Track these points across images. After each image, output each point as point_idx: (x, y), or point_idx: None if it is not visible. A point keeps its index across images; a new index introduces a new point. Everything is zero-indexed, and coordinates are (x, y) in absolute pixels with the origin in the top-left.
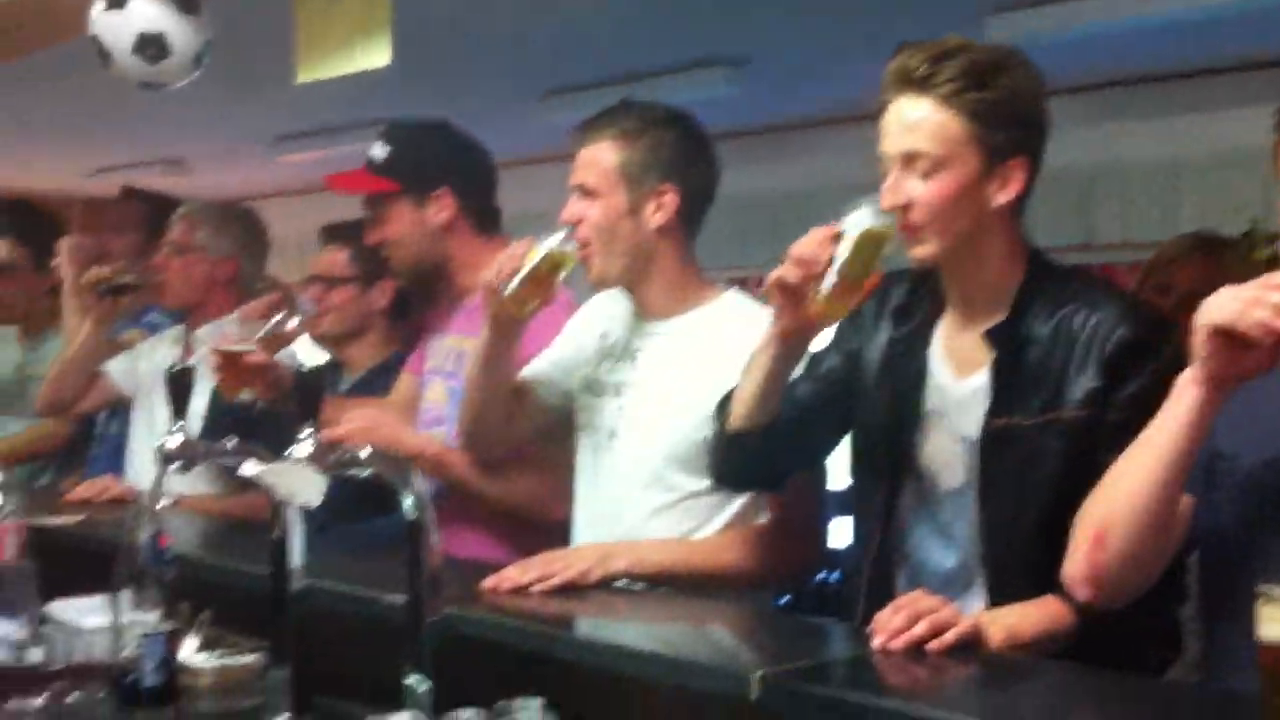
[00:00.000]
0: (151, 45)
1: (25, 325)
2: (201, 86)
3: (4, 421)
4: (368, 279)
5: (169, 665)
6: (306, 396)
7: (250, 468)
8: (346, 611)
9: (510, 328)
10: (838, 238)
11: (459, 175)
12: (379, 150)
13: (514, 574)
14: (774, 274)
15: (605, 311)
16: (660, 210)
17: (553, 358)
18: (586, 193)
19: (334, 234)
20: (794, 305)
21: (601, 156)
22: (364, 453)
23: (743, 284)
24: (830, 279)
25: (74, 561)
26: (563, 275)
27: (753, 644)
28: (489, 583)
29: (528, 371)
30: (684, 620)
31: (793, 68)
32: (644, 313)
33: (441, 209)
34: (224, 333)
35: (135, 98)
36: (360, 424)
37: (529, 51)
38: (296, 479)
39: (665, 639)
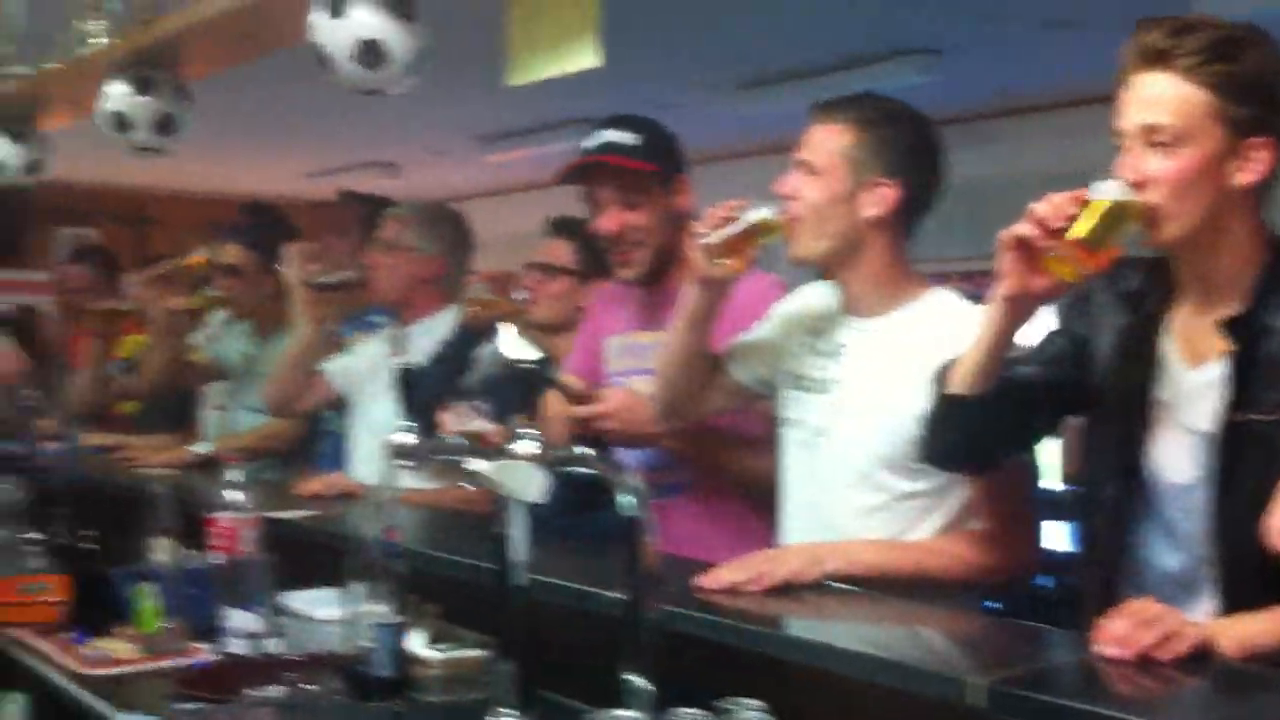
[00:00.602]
0: (370, 52)
1: (257, 323)
2: (411, 89)
3: (235, 414)
4: (586, 274)
5: (400, 656)
6: (525, 391)
7: (475, 464)
8: (569, 607)
9: (715, 287)
10: (1083, 204)
11: (685, 161)
12: (626, 136)
13: (726, 573)
14: (1009, 230)
15: (814, 304)
16: (877, 203)
17: (755, 339)
18: (809, 170)
19: (560, 226)
20: (1025, 265)
21: (831, 138)
22: (582, 450)
23: (938, 279)
24: (1067, 242)
25: (305, 554)
26: (763, 242)
27: (971, 648)
28: (701, 581)
29: (728, 346)
30: (899, 623)
31: (986, 56)
32: (851, 307)
33: (683, 194)
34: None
35: (350, 103)
36: (609, 406)
37: (723, 44)
38: (520, 475)
39: (883, 641)
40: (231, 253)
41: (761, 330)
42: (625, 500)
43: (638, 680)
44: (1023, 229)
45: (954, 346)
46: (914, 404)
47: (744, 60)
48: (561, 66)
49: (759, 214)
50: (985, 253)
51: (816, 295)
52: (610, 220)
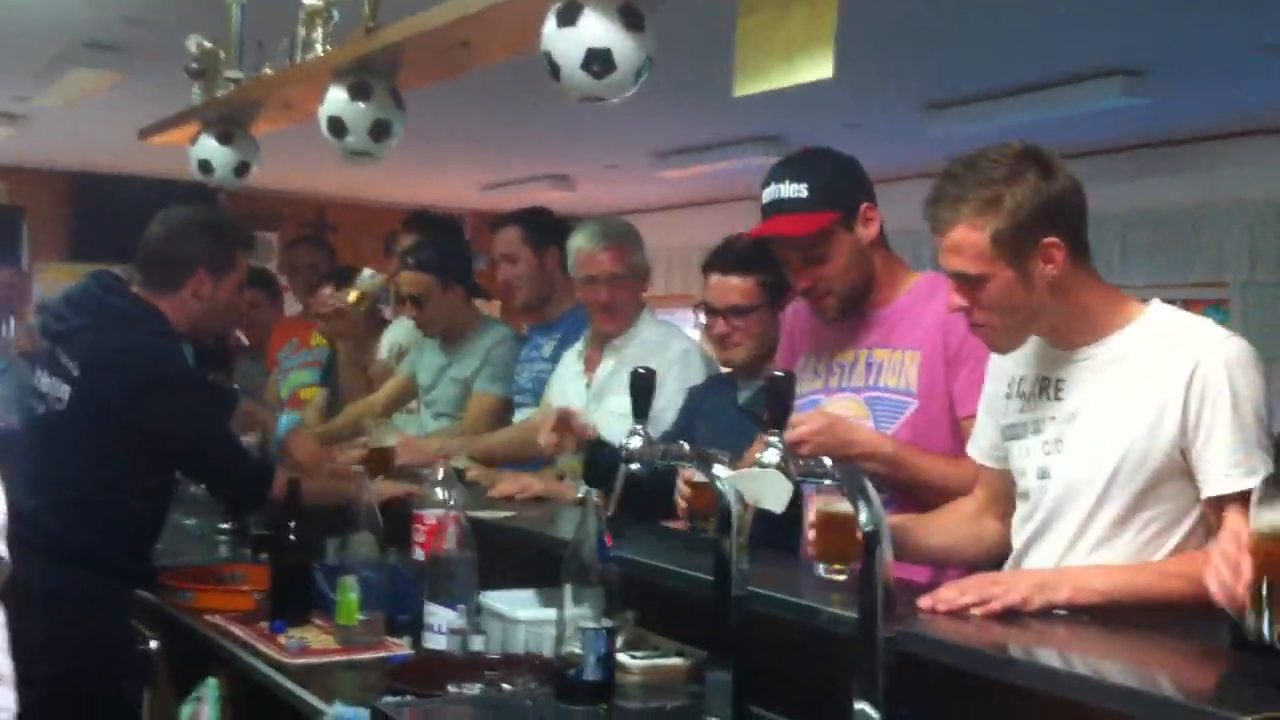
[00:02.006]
0: (598, 60)
1: (445, 335)
2: (587, 105)
3: (423, 419)
4: (776, 300)
5: (609, 661)
6: (776, 403)
7: (720, 470)
8: (786, 619)
9: None
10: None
11: (867, 186)
12: (796, 189)
13: (951, 595)
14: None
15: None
16: (1050, 263)
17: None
18: (967, 279)
19: (732, 261)
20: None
21: (967, 238)
22: (828, 462)
23: None
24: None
25: (504, 555)
26: None
27: (1222, 682)
28: (924, 602)
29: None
30: (1141, 653)
31: (1194, 78)
32: (1061, 343)
33: (870, 223)
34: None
35: (527, 117)
36: (814, 424)
37: (912, 64)
38: (764, 484)
39: (1132, 672)
40: (410, 281)
41: (980, 413)
42: (863, 515)
43: (869, 708)
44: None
45: (1181, 361)
46: (1144, 425)
47: (933, 80)
48: (793, 77)
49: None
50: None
51: None
52: (800, 280)
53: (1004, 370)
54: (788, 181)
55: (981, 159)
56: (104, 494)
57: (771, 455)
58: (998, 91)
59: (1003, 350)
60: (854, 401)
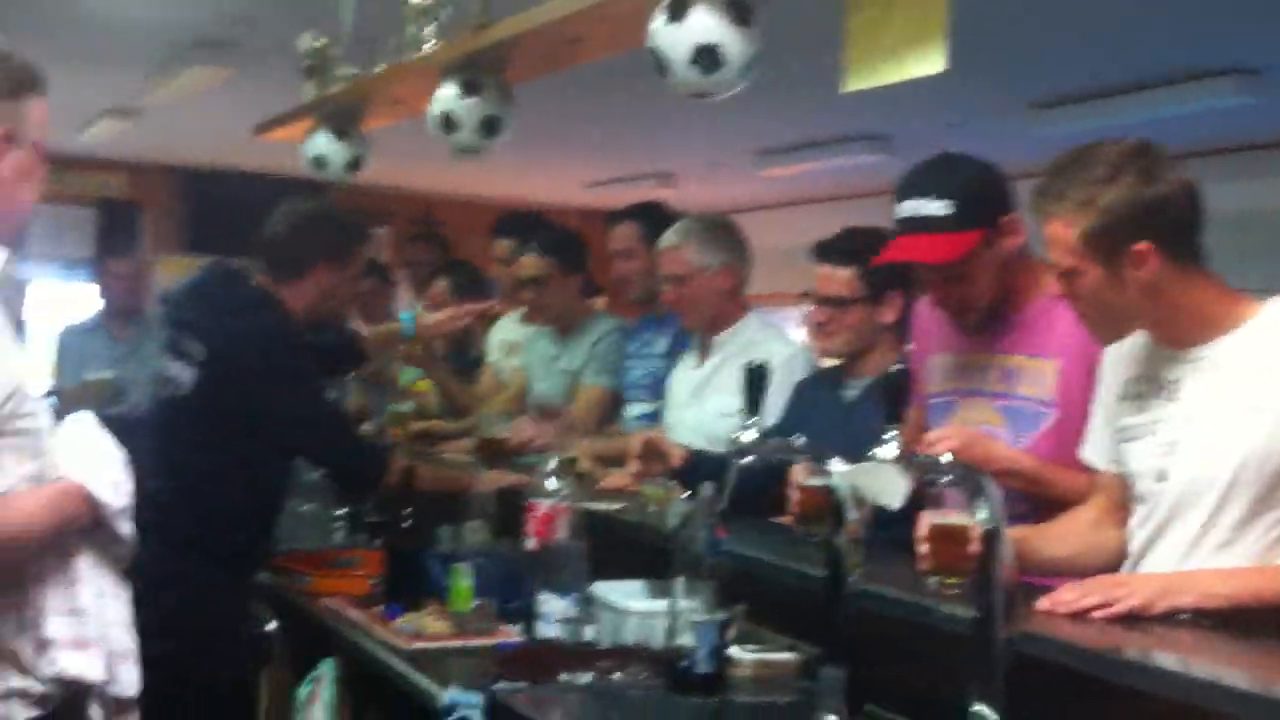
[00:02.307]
0: (707, 56)
1: (559, 326)
2: (690, 101)
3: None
4: (875, 295)
5: (720, 654)
6: (892, 398)
7: (836, 466)
8: (900, 618)
9: None
10: None
11: (1010, 195)
12: (935, 205)
13: (1071, 597)
14: None
15: (1119, 356)
16: (1141, 268)
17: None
18: (1061, 271)
19: (833, 252)
20: None
21: (1060, 234)
22: (945, 458)
23: None
24: None
25: (614, 546)
26: None
27: None
28: (1043, 604)
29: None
30: (1262, 656)
31: None
32: (1173, 344)
33: (1013, 234)
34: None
35: (631, 114)
36: (954, 440)
37: (1017, 61)
38: (881, 480)
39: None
40: (531, 264)
41: (1095, 417)
42: (982, 513)
43: (987, 710)
44: None
45: None
46: (1266, 423)
47: (1039, 78)
48: (904, 72)
49: None
50: None
51: (1117, 346)
52: (938, 296)
53: (1117, 371)
54: (928, 197)
55: (1089, 155)
56: (224, 478)
57: (889, 450)
58: (1106, 90)
59: (1104, 342)
60: (988, 409)
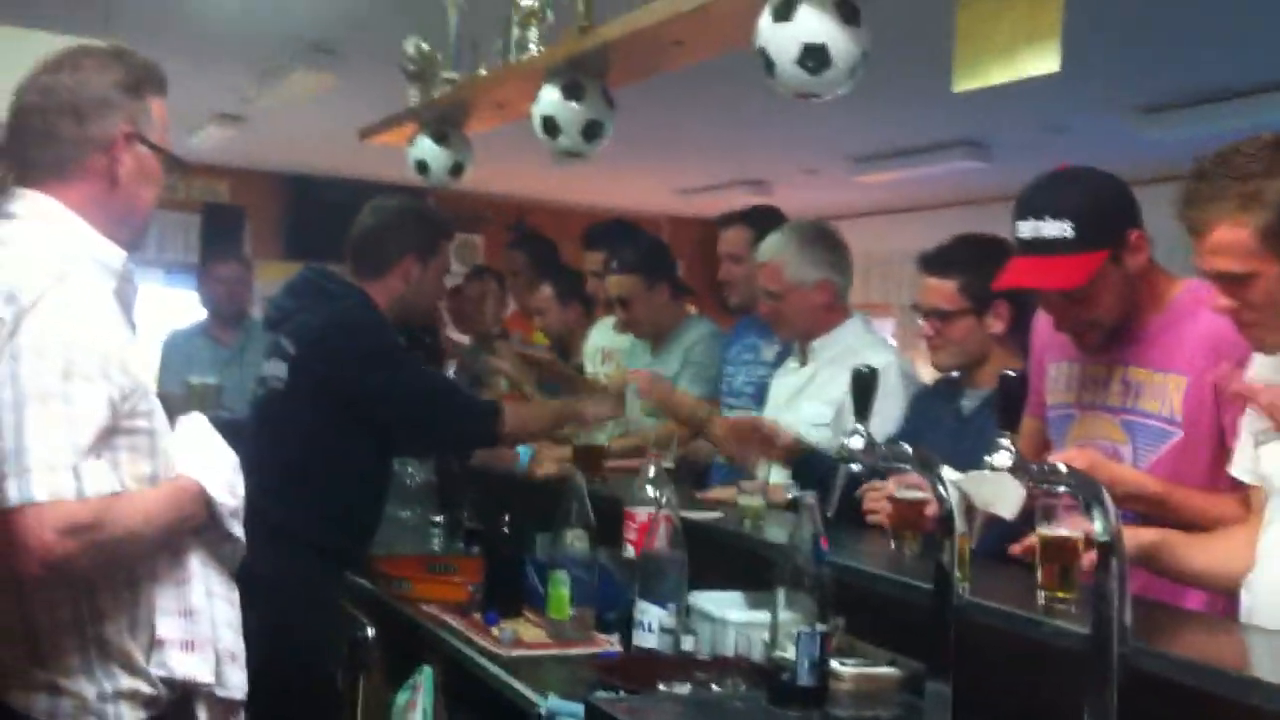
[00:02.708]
0: (814, 56)
1: (653, 336)
2: (784, 107)
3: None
4: (980, 306)
5: (823, 667)
6: (1007, 406)
7: (947, 473)
8: (1009, 632)
9: None
10: None
11: (1134, 209)
12: (1057, 226)
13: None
14: None
15: (1265, 363)
16: None
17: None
18: (1234, 279)
19: (936, 263)
20: None
21: (1231, 235)
22: (1062, 468)
23: None
24: None
25: (713, 556)
26: None
27: None
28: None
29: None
30: None
31: None
32: None
33: (1139, 251)
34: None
35: (724, 120)
36: (1079, 460)
37: (1125, 63)
38: (996, 488)
39: None
40: (616, 284)
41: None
42: (1098, 524)
43: None
44: None
45: None
46: None
47: (1149, 81)
48: (1017, 72)
49: None
50: None
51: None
52: (1060, 318)
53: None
54: (1049, 217)
55: (1233, 154)
56: (322, 474)
57: (1003, 458)
58: (1220, 93)
59: (1272, 351)
60: (1110, 423)
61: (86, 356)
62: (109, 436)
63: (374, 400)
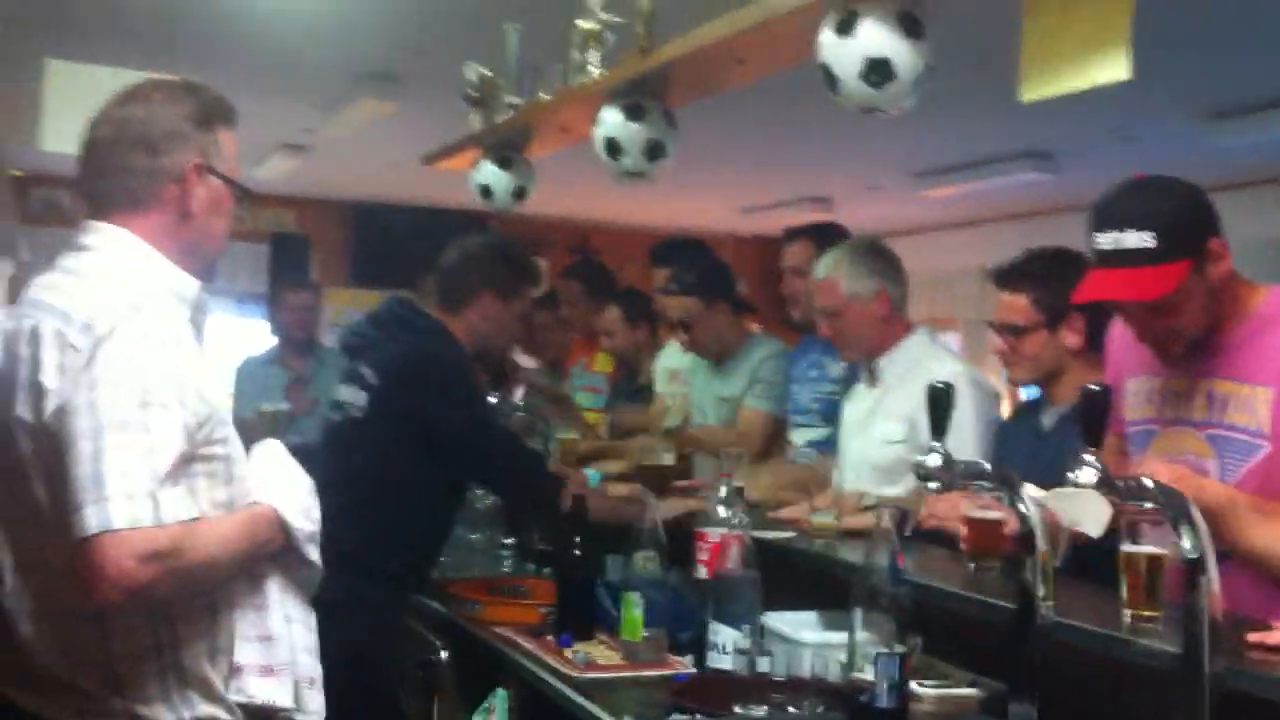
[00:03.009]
0: (877, 70)
1: (716, 356)
2: (846, 123)
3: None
4: (1053, 320)
5: (903, 689)
6: (1090, 420)
7: (1031, 491)
8: (1095, 653)
9: None
10: None
11: (1213, 218)
12: (1138, 237)
13: None
14: None
15: None
16: None
17: None
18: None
19: (1007, 278)
20: None
21: None
22: (1148, 483)
23: None
24: None
25: (778, 575)
26: None
27: None
28: (1254, 637)
29: None
30: None
31: None
32: None
33: (1221, 259)
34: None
35: (785, 137)
36: (1165, 474)
37: (1194, 67)
38: (1083, 505)
39: None
40: (675, 306)
41: None
42: (1186, 542)
43: None
44: None
45: None
46: None
47: (1218, 85)
48: (1086, 80)
49: None
50: None
51: None
52: (1144, 333)
53: None
54: (1130, 228)
55: None
56: (392, 499)
57: (1088, 475)
58: None
59: None
60: (1193, 438)
61: (163, 384)
62: (186, 464)
63: (447, 438)
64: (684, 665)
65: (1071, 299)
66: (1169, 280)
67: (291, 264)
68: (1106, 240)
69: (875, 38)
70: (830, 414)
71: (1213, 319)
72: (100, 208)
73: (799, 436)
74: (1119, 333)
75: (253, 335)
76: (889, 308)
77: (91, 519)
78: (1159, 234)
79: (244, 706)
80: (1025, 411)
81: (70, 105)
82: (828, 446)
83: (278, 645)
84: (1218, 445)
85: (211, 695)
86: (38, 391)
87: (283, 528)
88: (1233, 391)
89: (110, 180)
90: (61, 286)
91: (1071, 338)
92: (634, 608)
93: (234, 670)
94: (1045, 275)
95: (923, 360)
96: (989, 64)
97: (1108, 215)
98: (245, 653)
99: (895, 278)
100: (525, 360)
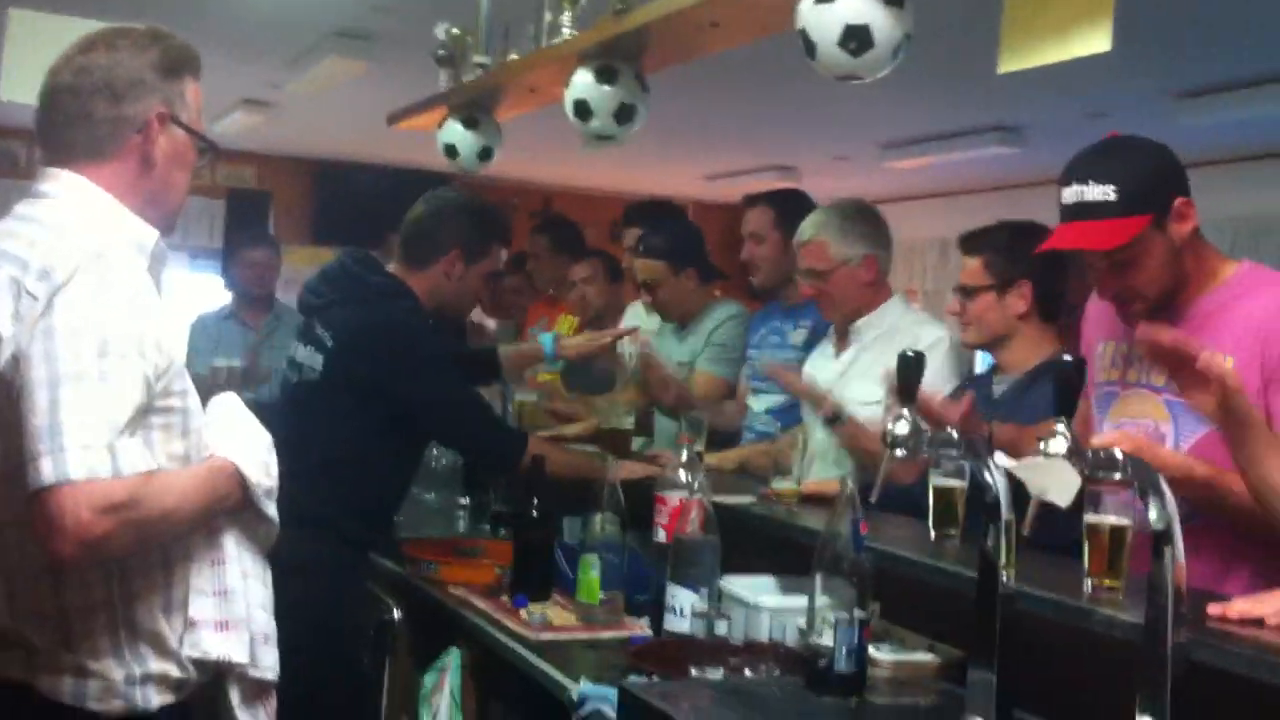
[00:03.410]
0: (855, 37)
1: (679, 320)
2: (814, 93)
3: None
4: (1003, 285)
5: (861, 654)
6: (1063, 390)
7: (1001, 459)
8: (1055, 622)
9: None
10: None
11: (1180, 178)
12: (1100, 190)
13: (1245, 606)
14: None
15: None
16: None
17: None
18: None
19: (968, 241)
20: None
21: None
22: (1118, 454)
23: None
24: None
25: (736, 539)
26: None
27: None
28: (1214, 610)
29: None
30: None
31: None
32: None
33: (1185, 219)
34: None
35: (753, 107)
36: (1123, 444)
37: (1161, 48)
38: (1050, 475)
39: None
40: (643, 268)
41: None
42: (1153, 512)
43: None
44: None
45: None
46: None
47: (1184, 65)
48: (1067, 51)
49: None
50: None
51: None
52: (1105, 289)
53: None
54: (1091, 182)
55: None
56: (350, 461)
57: (1058, 444)
58: (1257, 78)
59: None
60: (1153, 402)
61: (122, 334)
62: (143, 415)
63: (409, 405)
64: (641, 628)
65: (1035, 250)
66: (1126, 232)
67: (250, 220)
68: (1070, 194)
69: (855, 4)
70: None
71: (1175, 280)
72: (59, 156)
73: (758, 403)
74: (1094, 301)
75: (207, 291)
76: (876, 272)
77: (48, 470)
78: (1119, 188)
79: (197, 662)
80: (979, 380)
81: (31, 55)
82: (786, 414)
83: (233, 600)
84: (1174, 411)
85: (164, 650)
86: None
87: (241, 482)
88: None
89: (71, 128)
90: (17, 233)
91: (1019, 304)
92: (591, 570)
93: (188, 625)
94: (1004, 241)
95: (905, 325)
96: (959, 36)
97: (1073, 171)
98: (200, 607)
99: (883, 242)
100: (487, 321)
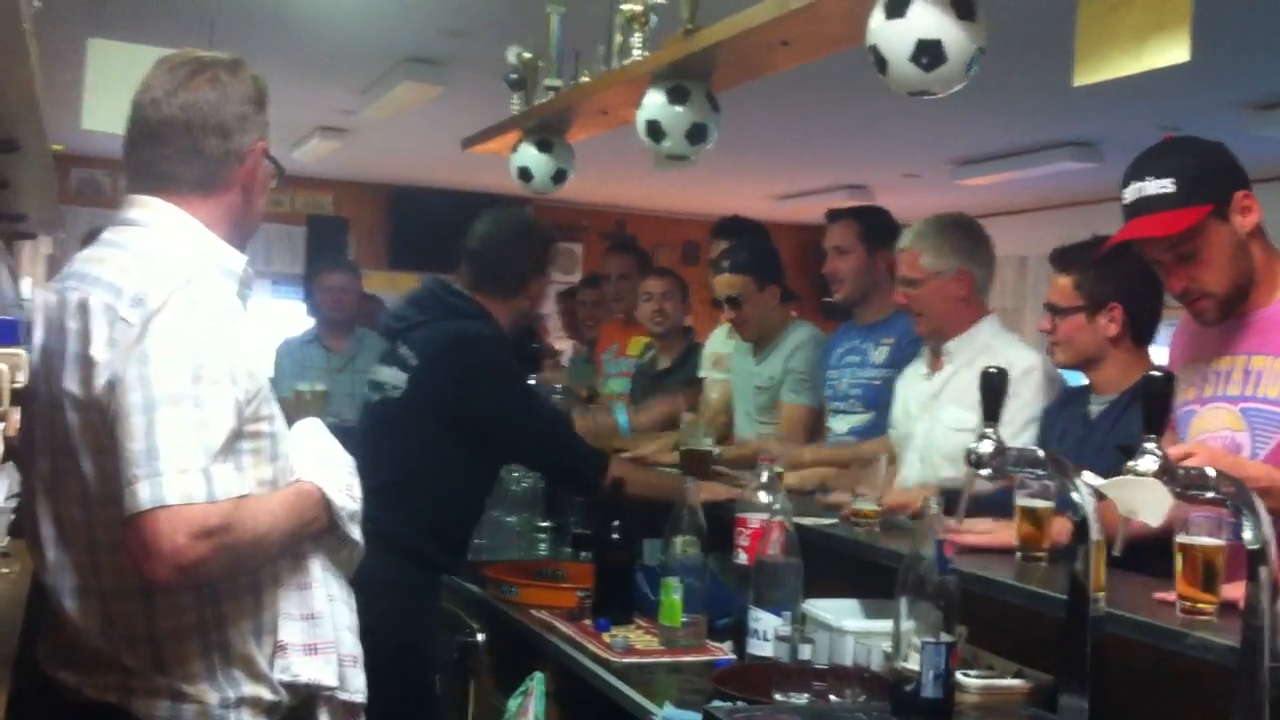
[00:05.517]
0: (927, 52)
1: (758, 339)
2: (885, 110)
3: (739, 426)
4: (1094, 306)
5: (948, 679)
6: (1151, 408)
7: (1090, 479)
8: (1148, 645)
9: None
10: None
11: (1239, 173)
12: (1158, 185)
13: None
14: None
15: None
16: None
17: None
18: None
19: (1060, 259)
20: None
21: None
22: (1210, 472)
23: None
24: None
25: (818, 562)
26: None
27: None
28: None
29: None
30: None
31: None
32: None
33: (1248, 211)
34: None
35: (823, 125)
36: (1198, 458)
37: (1235, 60)
38: (1142, 494)
39: None
40: (727, 284)
41: None
42: (1248, 532)
43: None
44: None
45: None
46: None
47: (1260, 78)
48: (1143, 63)
49: None
50: None
51: None
52: (1174, 282)
53: None
54: (1150, 178)
55: None
56: (429, 480)
57: (1149, 463)
58: None
59: None
60: (1228, 413)
61: (215, 359)
62: (235, 440)
63: (491, 422)
64: (723, 651)
65: (1103, 246)
66: (1185, 219)
67: (329, 246)
68: (1130, 192)
69: (926, 19)
70: (873, 400)
71: (1242, 275)
72: (157, 185)
73: (840, 424)
74: (1181, 328)
75: (290, 317)
76: (969, 288)
77: (145, 494)
78: (1178, 180)
79: (288, 685)
80: (1073, 398)
81: (111, 85)
82: (870, 433)
83: (321, 624)
84: (1250, 418)
85: (256, 673)
86: (87, 365)
87: (327, 506)
88: (1266, 365)
89: (183, 163)
90: (109, 260)
91: (1110, 327)
92: (674, 593)
93: (278, 649)
94: (1094, 261)
95: (997, 347)
96: (1033, 51)
97: (1133, 171)
98: (289, 631)
99: (980, 258)
100: (561, 344)
